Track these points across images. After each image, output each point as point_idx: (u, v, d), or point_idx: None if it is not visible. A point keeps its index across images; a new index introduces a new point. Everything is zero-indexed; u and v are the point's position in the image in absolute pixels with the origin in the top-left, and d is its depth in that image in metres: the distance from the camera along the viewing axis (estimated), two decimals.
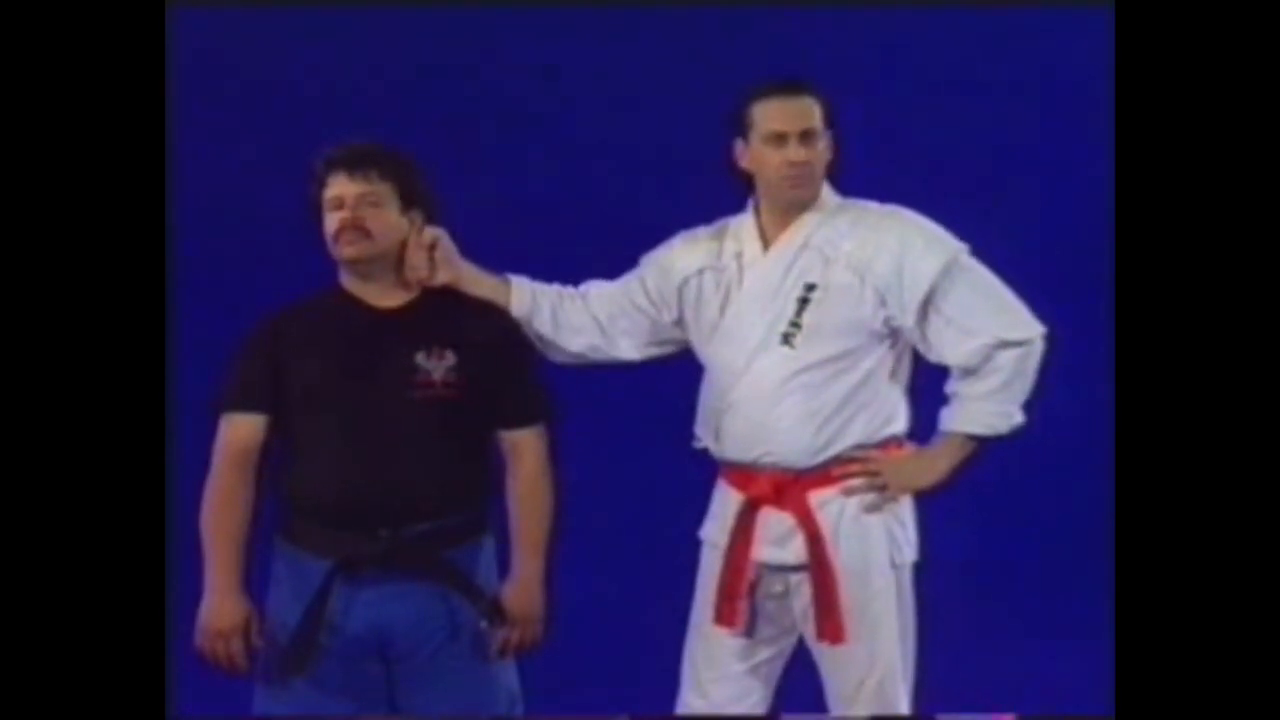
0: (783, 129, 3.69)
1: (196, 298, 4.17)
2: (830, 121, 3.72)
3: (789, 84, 3.72)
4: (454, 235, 3.80)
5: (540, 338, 3.84)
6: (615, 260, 3.95)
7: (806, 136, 3.69)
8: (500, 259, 3.87)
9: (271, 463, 3.70)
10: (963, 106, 4.53)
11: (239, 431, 3.69)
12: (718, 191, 3.83)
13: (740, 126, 3.75)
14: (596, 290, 3.89)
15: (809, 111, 3.70)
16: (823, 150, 3.72)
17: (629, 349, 3.87)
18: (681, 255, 3.82)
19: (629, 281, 3.88)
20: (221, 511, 3.66)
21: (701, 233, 3.84)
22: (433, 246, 3.73)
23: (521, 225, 4.28)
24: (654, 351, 3.88)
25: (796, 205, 3.73)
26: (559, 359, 3.87)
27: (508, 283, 3.85)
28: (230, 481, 3.67)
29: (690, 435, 3.84)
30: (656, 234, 3.90)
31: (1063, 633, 4.11)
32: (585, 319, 3.85)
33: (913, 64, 4.54)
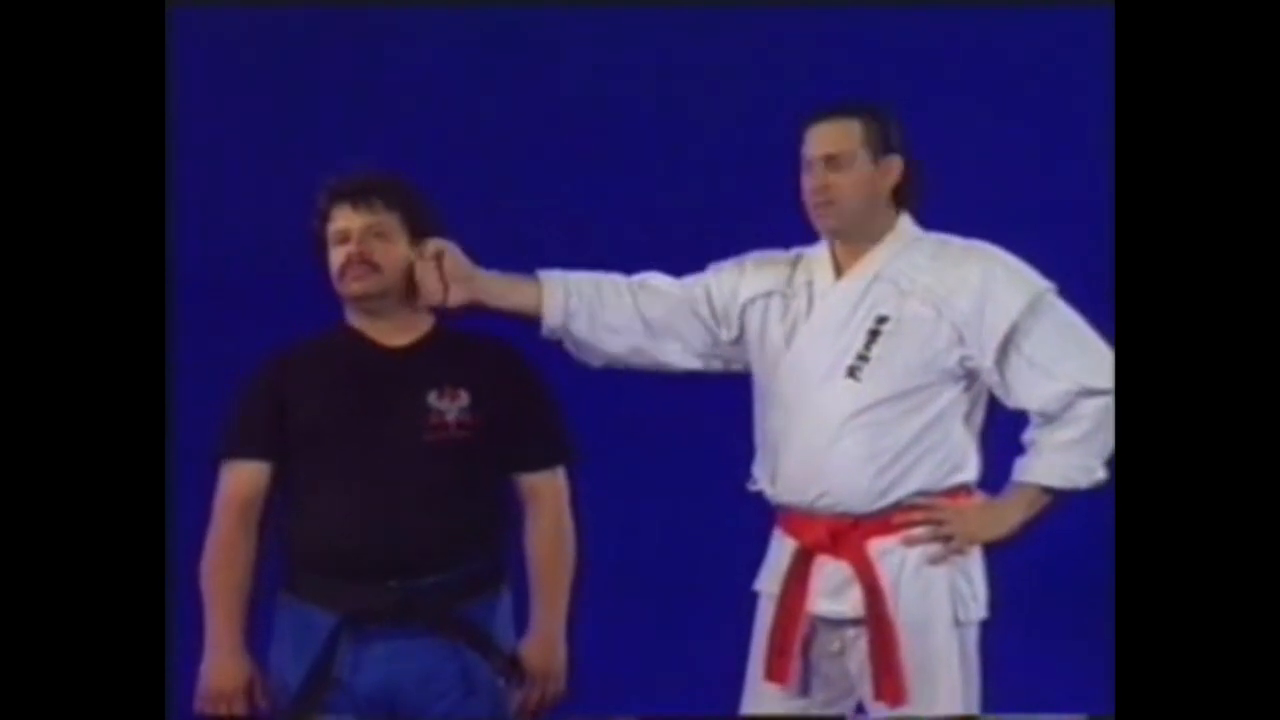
0: (810, 154, 3.58)
1: (196, 305, 4.15)
2: (889, 145, 3.59)
3: (832, 107, 3.61)
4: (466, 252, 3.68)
5: (574, 340, 3.67)
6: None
7: (830, 161, 3.56)
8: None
9: (274, 511, 3.60)
10: (963, 106, 4.52)
11: (240, 480, 3.59)
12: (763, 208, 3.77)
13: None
14: (654, 285, 3.70)
15: (840, 135, 3.58)
16: (859, 177, 3.57)
17: (678, 356, 3.69)
18: (751, 276, 3.68)
19: (692, 286, 3.71)
20: (222, 565, 3.56)
21: (777, 256, 3.71)
22: (439, 259, 3.57)
23: (535, 241, 4.28)
24: (705, 364, 3.72)
25: (832, 236, 3.60)
26: (594, 363, 3.70)
27: (537, 284, 3.66)
28: (231, 533, 3.57)
29: (746, 476, 3.70)
30: (690, 254, 3.81)
31: (1063, 633, 4.07)
32: (629, 317, 3.66)
33: (912, 64, 4.53)
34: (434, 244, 3.57)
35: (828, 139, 3.57)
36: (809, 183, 3.57)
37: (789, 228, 3.68)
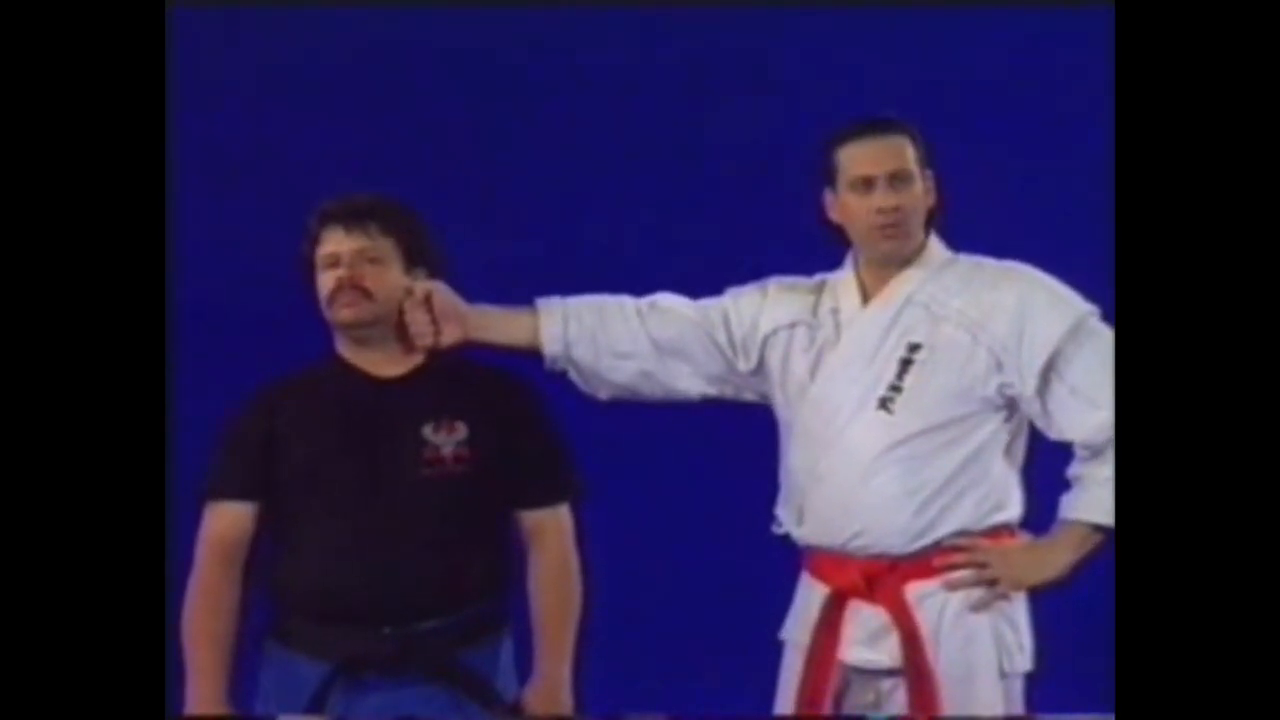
0: (869, 172, 3.47)
1: (197, 308, 4.09)
2: (928, 163, 3.50)
3: (876, 123, 3.51)
4: (471, 272, 3.63)
5: (578, 368, 3.59)
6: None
7: (896, 179, 3.47)
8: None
9: (260, 554, 3.52)
10: (963, 106, 4.52)
11: (225, 522, 3.50)
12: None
13: (827, 175, 3.53)
14: (665, 306, 3.61)
15: (899, 152, 3.48)
16: (919, 194, 3.49)
17: (690, 381, 3.60)
18: (773, 305, 3.58)
19: (709, 310, 3.61)
20: (205, 612, 3.47)
21: (799, 282, 3.62)
22: (428, 301, 3.51)
23: (537, 258, 4.34)
24: (717, 391, 3.62)
25: (894, 259, 3.50)
26: (602, 394, 3.61)
27: (534, 313, 3.59)
28: (215, 578, 3.48)
29: (769, 517, 3.59)
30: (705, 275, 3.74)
31: (1062, 631, 4.00)
32: (638, 341, 3.58)
33: (912, 64, 4.53)
34: (422, 286, 3.52)
35: (889, 156, 3.48)
36: (873, 202, 3.46)
37: (808, 245, 3.61)
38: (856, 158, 3.47)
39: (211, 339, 4.18)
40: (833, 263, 3.59)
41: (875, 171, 3.45)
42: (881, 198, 3.44)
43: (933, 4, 4.55)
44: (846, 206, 3.48)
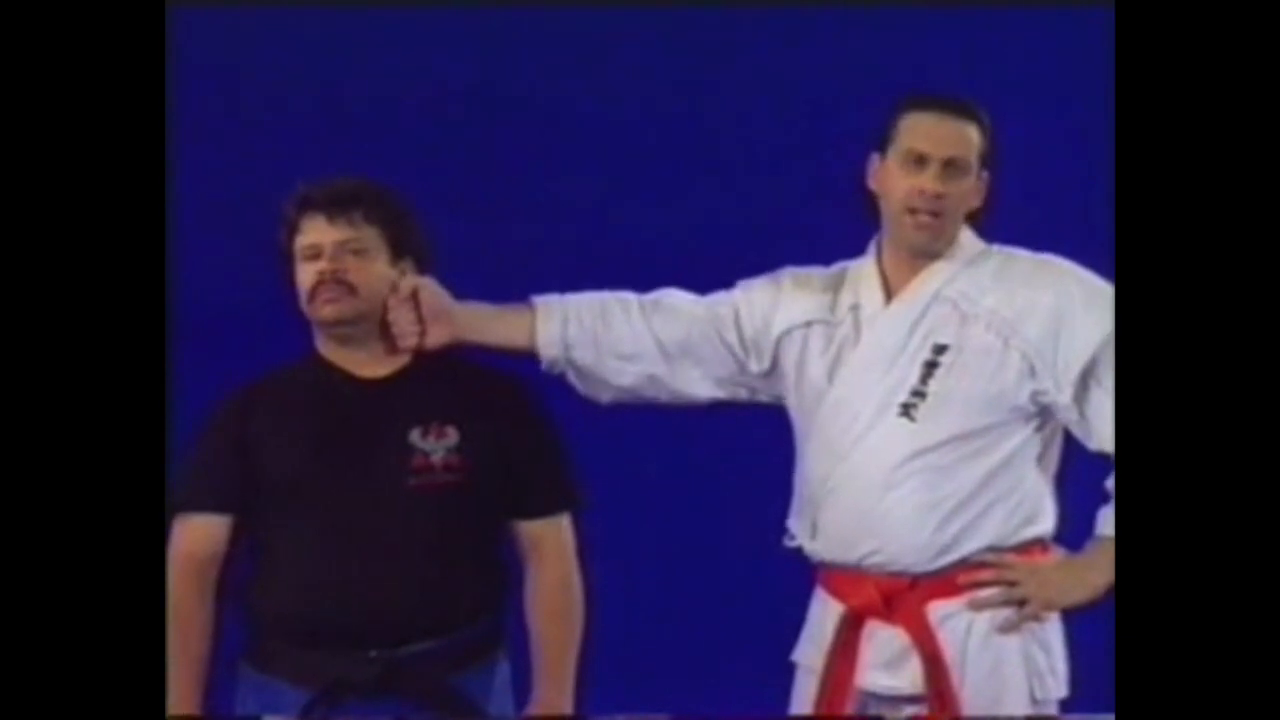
0: (926, 150, 3.34)
1: (196, 312, 4.03)
2: (989, 160, 3.40)
3: (951, 101, 3.41)
4: (466, 271, 3.53)
5: (579, 372, 3.48)
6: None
7: (951, 166, 3.33)
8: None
9: (235, 571, 3.44)
10: None
11: (195, 536, 3.40)
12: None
13: (882, 139, 3.40)
14: (671, 303, 3.49)
15: (965, 139, 3.36)
16: (968, 190, 3.37)
17: (699, 384, 3.49)
18: (788, 302, 3.46)
19: (718, 306, 3.48)
20: (174, 633, 3.29)
21: (815, 275, 3.49)
22: (414, 297, 3.39)
23: (536, 254, 4.28)
24: (729, 393, 3.51)
25: (920, 251, 3.37)
26: (603, 397, 3.50)
27: (530, 311, 3.47)
28: (185, 597, 3.36)
29: (781, 531, 3.51)
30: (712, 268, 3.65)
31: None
32: (643, 343, 3.46)
33: (912, 64, 4.49)
34: (407, 281, 3.41)
35: (952, 140, 3.36)
36: (917, 183, 3.33)
37: (811, 245, 3.56)
38: (918, 130, 3.35)
39: (211, 340, 4.11)
40: (848, 255, 3.48)
41: (932, 151, 3.33)
42: (929, 180, 3.32)
43: (932, 4, 4.55)
44: (890, 177, 3.36)
